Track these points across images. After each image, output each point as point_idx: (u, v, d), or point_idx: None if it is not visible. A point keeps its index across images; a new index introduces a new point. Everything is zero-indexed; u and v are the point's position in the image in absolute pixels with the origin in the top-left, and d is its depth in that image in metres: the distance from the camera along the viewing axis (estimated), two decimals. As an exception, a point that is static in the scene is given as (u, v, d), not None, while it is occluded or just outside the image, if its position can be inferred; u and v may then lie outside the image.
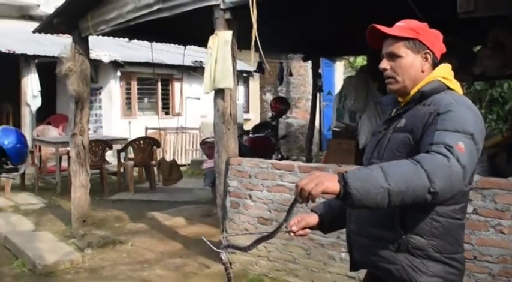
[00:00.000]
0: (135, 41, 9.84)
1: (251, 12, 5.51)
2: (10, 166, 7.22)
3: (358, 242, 2.54)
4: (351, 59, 19.81)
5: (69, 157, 9.36)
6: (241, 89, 16.78)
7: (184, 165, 12.95)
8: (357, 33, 4.26)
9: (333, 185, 2.07)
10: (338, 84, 16.88)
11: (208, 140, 9.44)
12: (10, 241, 7.16)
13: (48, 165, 11.87)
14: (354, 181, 2.05)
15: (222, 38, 5.96)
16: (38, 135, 12.63)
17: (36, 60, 13.40)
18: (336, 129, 10.43)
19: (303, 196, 2.09)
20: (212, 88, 6.06)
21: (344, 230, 2.67)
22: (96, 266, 6.52)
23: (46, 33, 8.55)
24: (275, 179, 5.82)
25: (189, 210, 8.86)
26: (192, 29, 7.71)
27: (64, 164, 10.99)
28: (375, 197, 2.05)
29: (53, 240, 7.34)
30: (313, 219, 2.69)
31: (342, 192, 2.06)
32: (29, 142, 10.03)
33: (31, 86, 13.37)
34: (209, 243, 2.46)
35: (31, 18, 15.08)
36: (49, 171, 11.70)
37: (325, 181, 2.07)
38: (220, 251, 2.41)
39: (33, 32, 8.55)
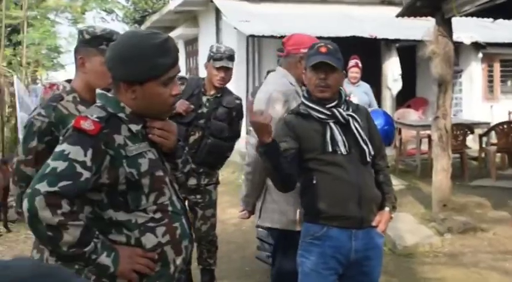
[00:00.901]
0: (499, 20, 9.36)
1: None
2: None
3: None
4: None
5: (429, 140, 9.38)
6: None
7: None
8: None
9: None
10: None
11: None
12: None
13: (408, 148, 12.09)
14: None
15: None
16: (398, 118, 12.91)
17: (397, 44, 13.64)
18: None
19: None
20: None
21: None
22: (456, 252, 6.45)
23: (409, 16, 8.58)
24: None
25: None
26: None
27: (423, 147, 11.04)
28: None
29: (412, 222, 7.41)
30: None
31: None
32: (392, 125, 10.26)
33: (392, 69, 13.68)
34: None
35: (390, 3, 15.39)
36: (409, 154, 11.91)
37: None
38: None
39: (397, 16, 8.67)
